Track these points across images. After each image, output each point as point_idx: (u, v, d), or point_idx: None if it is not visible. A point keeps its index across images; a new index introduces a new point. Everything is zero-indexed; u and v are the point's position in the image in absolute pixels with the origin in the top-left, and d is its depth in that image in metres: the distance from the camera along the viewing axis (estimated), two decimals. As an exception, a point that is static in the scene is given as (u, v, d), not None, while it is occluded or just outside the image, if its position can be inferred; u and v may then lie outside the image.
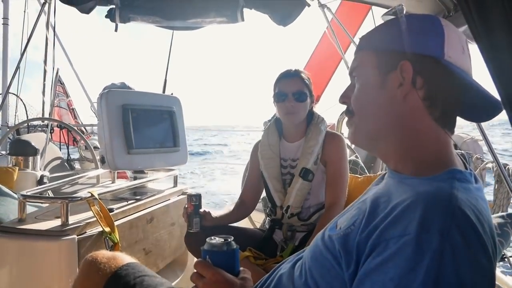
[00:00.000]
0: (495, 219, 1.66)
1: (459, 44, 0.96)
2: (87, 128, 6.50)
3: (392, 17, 1.02)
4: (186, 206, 2.12)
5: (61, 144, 5.19)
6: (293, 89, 2.23)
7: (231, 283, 1.00)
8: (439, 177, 0.89)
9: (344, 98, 1.09)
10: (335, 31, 3.83)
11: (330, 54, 4.79)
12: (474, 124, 2.14)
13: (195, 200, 2.09)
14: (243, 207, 2.50)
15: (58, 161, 4.46)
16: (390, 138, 0.99)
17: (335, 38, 3.99)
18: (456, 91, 0.95)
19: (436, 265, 0.73)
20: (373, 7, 3.47)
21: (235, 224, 2.44)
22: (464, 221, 0.77)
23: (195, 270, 1.04)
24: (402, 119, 0.97)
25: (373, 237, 0.83)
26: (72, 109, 7.17)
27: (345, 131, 4.07)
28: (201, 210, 2.13)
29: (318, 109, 2.43)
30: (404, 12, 0.99)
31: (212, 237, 1.07)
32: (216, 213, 2.27)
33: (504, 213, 1.73)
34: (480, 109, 0.99)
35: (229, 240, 1.05)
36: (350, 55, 4.33)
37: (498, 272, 1.89)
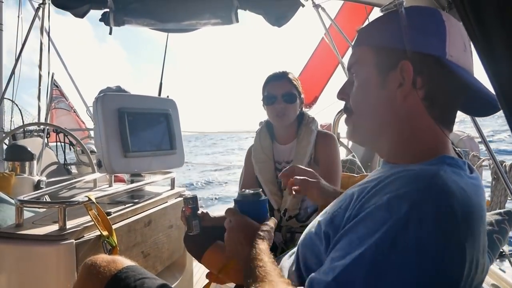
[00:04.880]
0: (492, 216, 1.66)
1: (461, 41, 0.94)
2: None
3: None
4: (184, 209, 2.11)
5: (58, 143, 5.16)
6: (282, 91, 2.23)
7: (251, 226, 1.17)
8: (429, 162, 0.89)
9: (342, 95, 1.09)
10: (335, 32, 3.84)
11: (329, 55, 4.80)
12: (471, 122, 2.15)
13: (191, 202, 2.08)
14: None
15: (55, 166, 4.44)
16: (387, 136, 1.00)
17: (330, 40, 3.99)
18: (456, 91, 0.94)
19: (397, 229, 0.75)
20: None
21: None
22: (443, 197, 0.77)
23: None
24: (400, 119, 0.96)
25: (356, 209, 0.86)
26: (74, 110, 7.10)
27: (341, 130, 4.07)
28: (199, 212, 2.12)
29: (315, 108, 2.44)
30: (404, 4, 0.97)
31: (244, 190, 1.28)
32: (214, 213, 2.27)
33: (501, 210, 1.74)
34: (480, 105, 0.98)
35: (257, 191, 1.25)
36: (348, 57, 4.33)
37: (496, 269, 1.90)
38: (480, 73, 0.96)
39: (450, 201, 0.77)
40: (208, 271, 2.20)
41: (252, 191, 1.24)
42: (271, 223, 1.22)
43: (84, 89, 6.19)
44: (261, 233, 1.13)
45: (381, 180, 0.88)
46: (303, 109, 2.38)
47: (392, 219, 0.76)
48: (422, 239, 0.73)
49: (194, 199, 2.10)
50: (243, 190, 1.25)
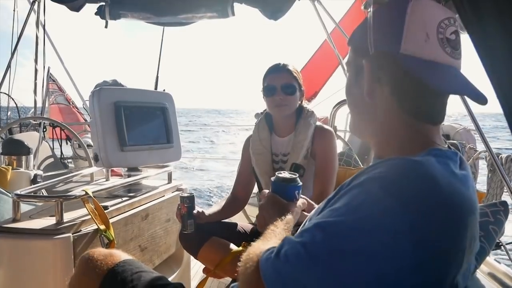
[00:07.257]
0: (488, 207, 1.67)
1: (422, 32, 0.91)
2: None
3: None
4: (180, 207, 2.10)
5: (56, 139, 5.16)
6: (282, 82, 2.23)
7: (279, 202, 1.29)
8: (415, 155, 0.89)
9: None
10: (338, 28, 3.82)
11: (333, 51, 4.81)
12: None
13: (188, 202, 2.07)
14: (235, 203, 2.49)
15: (52, 160, 4.44)
16: (370, 131, 1.04)
17: (327, 34, 3.98)
18: (417, 83, 0.91)
19: (366, 204, 0.77)
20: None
21: (229, 220, 2.44)
22: (419, 181, 0.78)
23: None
24: (375, 115, 0.99)
25: (339, 194, 0.89)
26: (72, 101, 7.07)
27: (338, 124, 4.07)
28: (195, 211, 2.11)
29: (313, 102, 2.43)
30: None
31: (282, 171, 1.39)
32: (208, 210, 2.27)
33: (497, 201, 1.74)
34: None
35: (292, 177, 1.35)
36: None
37: (492, 260, 1.91)
38: (479, 69, 0.94)
39: (428, 186, 0.78)
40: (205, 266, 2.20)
41: (288, 175, 1.35)
42: (299, 202, 1.35)
43: (80, 82, 6.17)
44: (288, 207, 1.27)
45: (365, 168, 0.91)
46: (303, 102, 2.37)
47: (363, 194, 0.79)
48: (385, 215, 0.75)
49: (191, 198, 2.09)
50: (279, 172, 1.37)
